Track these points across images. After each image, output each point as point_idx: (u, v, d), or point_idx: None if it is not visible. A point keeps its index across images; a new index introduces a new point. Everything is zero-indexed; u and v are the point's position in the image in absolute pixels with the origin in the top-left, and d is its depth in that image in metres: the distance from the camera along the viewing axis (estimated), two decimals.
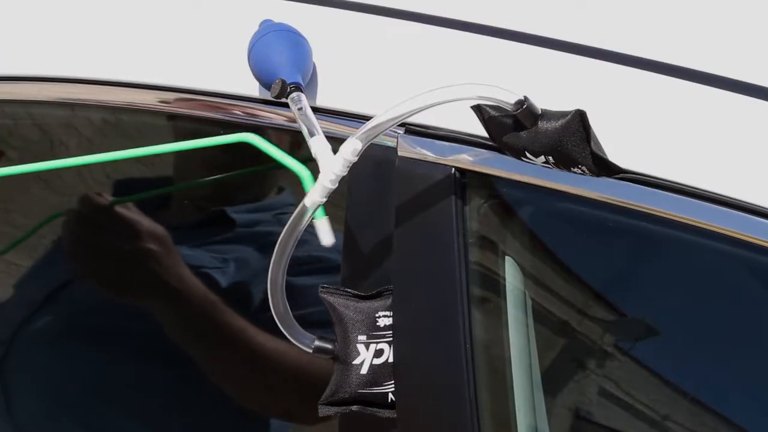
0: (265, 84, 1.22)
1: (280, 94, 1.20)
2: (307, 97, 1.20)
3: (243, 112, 1.31)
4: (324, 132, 1.18)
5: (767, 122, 1.06)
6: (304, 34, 1.24)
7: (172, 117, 1.43)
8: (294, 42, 1.23)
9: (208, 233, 1.68)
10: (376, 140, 1.13)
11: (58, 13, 1.46)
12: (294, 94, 1.20)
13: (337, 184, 1.15)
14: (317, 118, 1.20)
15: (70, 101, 1.47)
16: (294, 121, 1.21)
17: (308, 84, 1.24)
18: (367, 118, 1.13)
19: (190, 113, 1.37)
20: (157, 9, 1.39)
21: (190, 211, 1.73)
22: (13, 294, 1.79)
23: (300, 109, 1.20)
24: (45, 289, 1.73)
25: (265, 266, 1.18)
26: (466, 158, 1.16)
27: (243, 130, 1.21)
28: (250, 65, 1.24)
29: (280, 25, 1.24)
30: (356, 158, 1.13)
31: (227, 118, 1.32)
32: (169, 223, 1.65)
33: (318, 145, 1.17)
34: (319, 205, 1.15)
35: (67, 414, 1.73)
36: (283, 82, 1.20)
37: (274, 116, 1.29)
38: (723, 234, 1.06)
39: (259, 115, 1.30)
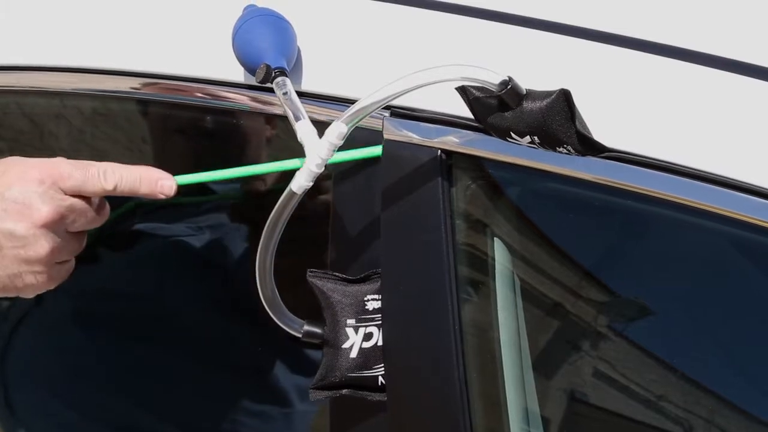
0: (250, 69, 1.22)
1: (264, 79, 1.19)
2: (291, 82, 1.20)
3: (230, 97, 1.31)
4: (309, 116, 1.19)
5: (750, 99, 1.06)
6: (288, 18, 1.24)
7: (159, 104, 1.42)
8: (278, 27, 1.23)
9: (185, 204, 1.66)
10: (362, 123, 1.13)
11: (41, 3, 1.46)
12: (279, 79, 1.20)
13: (323, 168, 1.15)
14: (302, 102, 1.20)
15: (58, 90, 1.46)
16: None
17: (293, 68, 1.24)
18: (352, 102, 1.13)
19: (178, 101, 1.37)
20: None
21: None
22: None
23: (285, 93, 1.20)
24: None
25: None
26: (451, 140, 1.15)
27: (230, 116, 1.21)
28: (234, 51, 1.24)
29: (264, 9, 1.24)
30: (342, 142, 1.13)
31: (212, 104, 1.32)
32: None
33: (303, 130, 1.17)
34: (306, 190, 1.16)
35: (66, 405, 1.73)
36: (268, 67, 1.20)
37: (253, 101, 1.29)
38: (711, 211, 1.06)
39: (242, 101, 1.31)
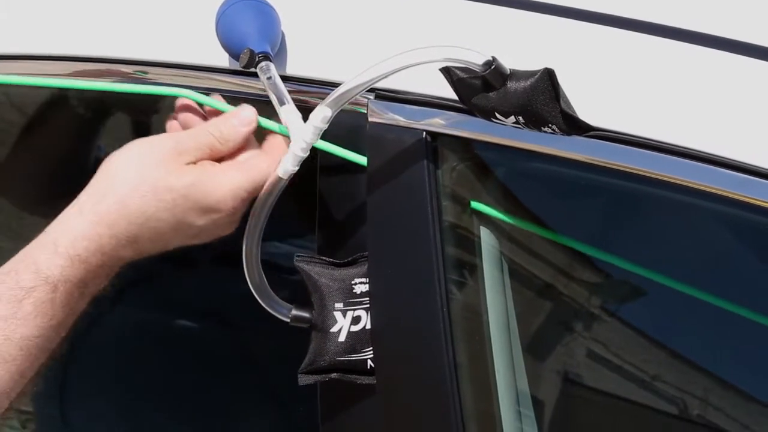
0: (234, 55, 1.22)
1: (248, 63, 1.19)
2: (275, 66, 1.20)
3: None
4: (294, 100, 1.18)
5: (737, 76, 1.06)
6: (272, 2, 1.23)
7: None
8: (261, 11, 1.22)
9: None
10: (347, 106, 1.13)
11: None
12: (263, 64, 1.20)
13: (308, 152, 1.15)
14: (286, 87, 1.20)
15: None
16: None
17: (278, 52, 1.23)
18: (336, 85, 1.12)
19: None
20: None
21: None
22: None
23: (269, 78, 1.19)
24: None
25: None
26: (436, 121, 1.15)
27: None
28: (218, 36, 1.23)
29: None
30: (326, 125, 1.13)
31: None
32: None
33: (288, 114, 1.17)
34: (292, 174, 1.15)
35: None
36: (252, 51, 1.19)
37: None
38: (698, 189, 1.05)
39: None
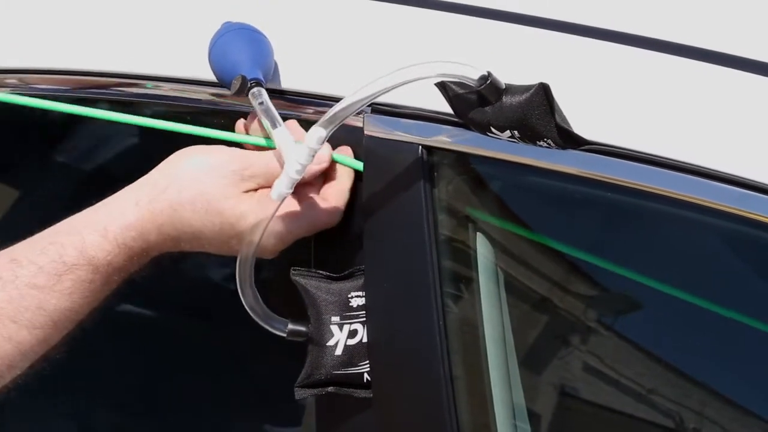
0: (226, 83, 1.22)
1: (240, 90, 1.19)
2: (271, 86, 1.20)
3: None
4: (290, 115, 1.19)
5: (732, 90, 1.06)
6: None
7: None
8: (253, 39, 1.23)
9: None
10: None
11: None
12: (254, 90, 1.20)
13: (303, 174, 1.14)
14: (285, 102, 1.20)
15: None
16: None
17: (274, 66, 1.24)
18: (333, 100, 1.13)
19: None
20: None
21: None
22: None
23: (261, 103, 1.19)
24: None
25: None
26: (433, 136, 1.15)
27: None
28: (210, 65, 1.24)
29: (239, 24, 1.24)
30: (321, 146, 1.13)
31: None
32: None
33: (281, 137, 1.17)
34: (286, 197, 1.15)
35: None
36: (243, 77, 1.20)
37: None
38: (693, 203, 1.06)
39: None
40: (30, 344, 1.13)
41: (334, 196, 1.19)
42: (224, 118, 1.27)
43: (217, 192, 1.16)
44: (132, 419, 1.70)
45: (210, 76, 1.26)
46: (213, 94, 1.31)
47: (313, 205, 1.18)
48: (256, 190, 1.18)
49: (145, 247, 1.17)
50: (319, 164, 1.18)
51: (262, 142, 1.22)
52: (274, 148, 1.20)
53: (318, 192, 1.20)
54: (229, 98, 1.28)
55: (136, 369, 1.67)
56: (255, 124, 1.23)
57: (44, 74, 1.42)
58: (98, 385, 1.69)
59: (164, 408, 1.68)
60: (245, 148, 1.23)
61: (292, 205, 1.18)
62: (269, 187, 1.16)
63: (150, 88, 1.35)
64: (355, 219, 1.20)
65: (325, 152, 1.18)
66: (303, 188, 1.18)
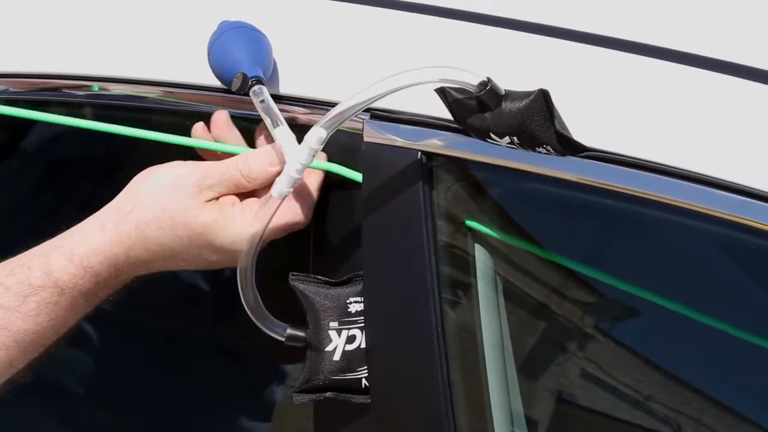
0: (227, 82, 1.22)
1: (241, 87, 1.20)
2: (269, 88, 1.20)
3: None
4: (288, 120, 1.19)
5: (732, 97, 1.06)
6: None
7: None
8: (252, 38, 1.23)
9: None
10: (342, 126, 1.13)
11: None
12: (255, 87, 1.20)
13: (303, 174, 1.15)
14: (282, 107, 1.20)
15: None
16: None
17: (271, 76, 1.24)
18: (332, 105, 1.13)
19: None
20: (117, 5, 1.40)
21: None
22: None
23: (262, 101, 1.20)
24: None
25: None
26: (432, 141, 1.15)
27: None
28: (210, 64, 1.24)
29: (238, 22, 1.24)
30: (321, 147, 1.13)
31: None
32: None
33: (282, 136, 1.17)
34: (286, 196, 1.16)
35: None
36: (244, 75, 1.20)
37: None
38: (692, 210, 1.06)
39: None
40: None
41: (301, 197, 1.20)
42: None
43: (178, 206, 1.17)
44: (126, 419, 1.70)
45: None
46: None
47: (282, 208, 1.19)
48: (217, 198, 1.19)
49: (113, 271, 1.18)
50: (278, 166, 1.19)
51: (227, 148, 1.24)
52: (235, 154, 1.22)
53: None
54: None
55: (130, 368, 1.67)
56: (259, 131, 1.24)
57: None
58: (91, 385, 1.70)
59: (159, 408, 1.68)
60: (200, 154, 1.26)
61: (258, 208, 1.19)
62: (230, 194, 1.19)
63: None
64: (354, 224, 1.20)
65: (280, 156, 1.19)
66: (264, 192, 1.20)
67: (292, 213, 1.20)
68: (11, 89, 1.43)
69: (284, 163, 1.17)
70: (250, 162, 1.20)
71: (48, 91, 1.41)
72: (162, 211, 1.17)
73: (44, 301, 1.15)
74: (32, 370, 1.19)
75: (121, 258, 1.18)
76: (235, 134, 1.25)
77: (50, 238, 1.20)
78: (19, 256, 1.18)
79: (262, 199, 1.17)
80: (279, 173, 1.17)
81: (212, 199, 1.19)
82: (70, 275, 1.16)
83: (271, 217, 1.16)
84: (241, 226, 1.18)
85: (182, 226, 1.17)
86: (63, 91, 1.40)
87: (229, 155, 1.23)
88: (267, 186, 1.19)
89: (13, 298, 1.14)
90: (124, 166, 1.33)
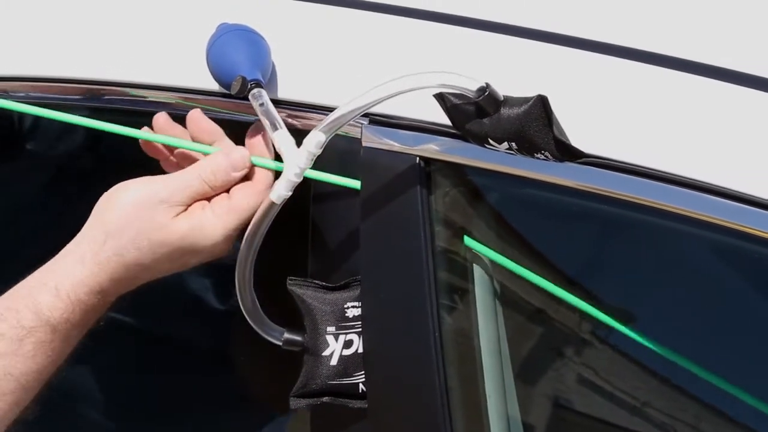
0: (226, 84, 1.22)
1: (240, 90, 1.19)
2: (268, 92, 1.20)
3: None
4: (287, 125, 1.19)
5: (731, 104, 1.07)
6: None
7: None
8: (251, 40, 1.23)
9: None
10: (340, 131, 1.14)
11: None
12: (255, 90, 1.20)
13: (302, 177, 1.15)
14: (280, 111, 1.20)
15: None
16: None
17: (271, 78, 1.24)
18: (330, 110, 1.13)
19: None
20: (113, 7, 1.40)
21: None
22: None
23: (261, 104, 1.20)
24: None
25: None
26: (430, 147, 1.15)
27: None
28: (209, 67, 1.24)
29: (236, 25, 1.24)
30: (320, 150, 1.14)
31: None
32: None
33: (281, 139, 1.17)
34: (285, 200, 1.16)
35: None
36: (243, 78, 1.19)
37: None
38: (690, 216, 1.06)
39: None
40: (3, 411, 1.15)
41: (247, 197, 1.21)
42: None
43: (152, 225, 1.18)
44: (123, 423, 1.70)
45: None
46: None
47: (244, 197, 1.20)
48: (186, 208, 1.20)
49: (101, 297, 1.19)
50: (241, 171, 1.21)
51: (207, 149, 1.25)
52: (207, 153, 1.23)
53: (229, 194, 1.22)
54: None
55: (127, 372, 1.67)
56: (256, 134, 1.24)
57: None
58: (90, 388, 1.70)
59: (156, 412, 1.68)
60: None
61: (225, 208, 1.20)
62: (199, 199, 1.20)
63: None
64: (352, 228, 1.20)
65: (244, 158, 1.21)
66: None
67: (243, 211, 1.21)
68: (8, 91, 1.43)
69: (246, 167, 1.20)
70: (214, 170, 1.20)
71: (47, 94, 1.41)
72: (137, 233, 1.18)
73: (39, 340, 1.16)
74: (36, 404, 1.20)
75: (105, 284, 1.18)
76: (180, 130, 1.27)
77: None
78: (5, 295, 1.18)
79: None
80: (242, 177, 1.20)
81: (182, 212, 1.20)
82: (59, 311, 1.16)
83: (269, 223, 1.17)
84: (217, 227, 1.19)
85: (159, 244, 1.18)
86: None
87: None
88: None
89: (10, 343, 1.15)
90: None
